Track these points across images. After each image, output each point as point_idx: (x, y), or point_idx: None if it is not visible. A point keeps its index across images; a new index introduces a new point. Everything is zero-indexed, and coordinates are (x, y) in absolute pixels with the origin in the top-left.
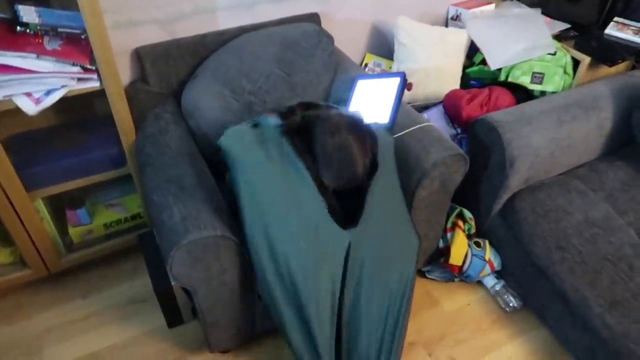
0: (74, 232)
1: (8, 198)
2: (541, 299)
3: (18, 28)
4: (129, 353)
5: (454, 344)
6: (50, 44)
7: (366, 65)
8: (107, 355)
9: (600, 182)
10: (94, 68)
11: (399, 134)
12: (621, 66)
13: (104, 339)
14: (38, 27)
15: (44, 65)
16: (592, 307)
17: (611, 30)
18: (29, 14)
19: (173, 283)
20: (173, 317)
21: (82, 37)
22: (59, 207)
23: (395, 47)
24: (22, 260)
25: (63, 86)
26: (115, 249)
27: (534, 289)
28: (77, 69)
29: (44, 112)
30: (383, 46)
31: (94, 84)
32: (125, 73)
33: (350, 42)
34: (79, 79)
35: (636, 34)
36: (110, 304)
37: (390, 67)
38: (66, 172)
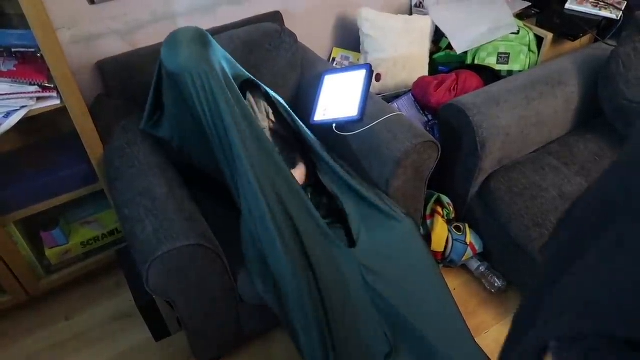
0: (51, 253)
1: None
2: (524, 277)
3: None
4: None
5: None
6: (5, 65)
7: (334, 59)
8: None
9: (572, 156)
10: (52, 86)
11: (369, 126)
12: (584, 39)
13: (92, 358)
14: None
15: (0, 87)
16: None
17: (571, 4)
18: None
19: (153, 296)
20: (159, 330)
21: (38, 55)
22: (34, 229)
23: (361, 39)
24: (0, 287)
25: (23, 107)
26: (95, 266)
27: (516, 267)
28: (35, 88)
29: (7, 135)
30: (349, 39)
31: (54, 102)
32: (89, 88)
33: (315, 37)
34: (39, 98)
35: (595, 6)
36: (95, 323)
37: (358, 60)
38: (37, 193)
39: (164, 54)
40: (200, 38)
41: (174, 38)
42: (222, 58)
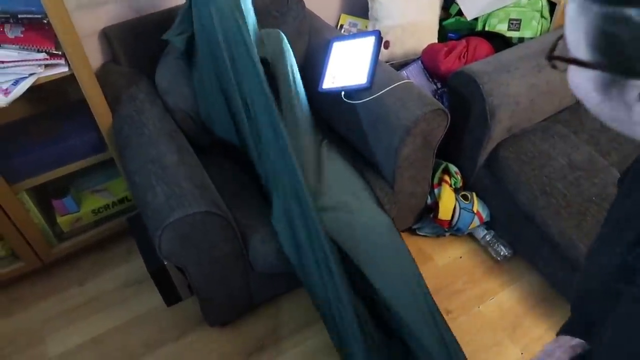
0: (62, 221)
1: None
2: (530, 245)
3: None
4: (130, 334)
5: (448, 295)
6: (12, 32)
7: (342, 26)
8: (109, 338)
9: (581, 124)
10: (60, 53)
11: (378, 94)
12: None
13: (104, 322)
14: None
15: (8, 54)
16: (579, 248)
17: None
18: None
19: (165, 262)
20: (170, 296)
21: (45, 21)
22: (45, 197)
23: (370, 5)
24: (14, 254)
25: (31, 74)
26: (107, 234)
27: (522, 236)
28: (42, 55)
29: (17, 104)
30: (357, 5)
31: (62, 69)
32: (95, 55)
33: (323, 4)
34: (47, 66)
35: None
36: (108, 288)
37: (367, 27)
38: (47, 162)
39: None
40: None
41: None
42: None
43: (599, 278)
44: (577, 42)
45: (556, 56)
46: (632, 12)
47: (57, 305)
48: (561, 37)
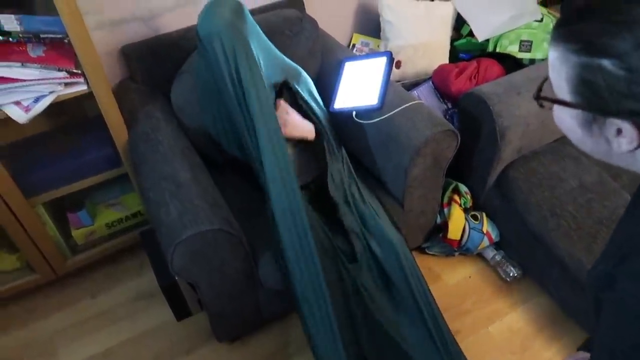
0: (77, 234)
1: (8, 206)
2: (540, 267)
3: (0, 37)
4: (141, 348)
5: (457, 315)
6: (34, 51)
7: (354, 45)
8: (120, 351)
9: None
10: (80, 72)
11: (389, 114)
12: None
13: (116, 335)
14: (20, 35)
15: (30, 73)
16: None
17: None
18: (9, 22)
19: (176, 278)
20: (180, 310)
21: (65, 41)
22: (61, 210)
23: (382, 26)
24: (28, 266)
25: (51, 92)
26: (119, 247)
27: (532, 257)
28: (63, 74)
29: (35, 119)
30: (370, 25)
31: (81, 88)
32: (113, 72)
33: (336, 23)
34: (66, 84)
35: None
36: (120, 301)
37: (379, 46)
38: (63, 176)
39: (199, 20)
40: (237, 8)
41: (211, 4)
42: (255, 40)
43: (592, 287)
44: (560, 86)
45: (543, 97)
46: (605, 62)
47: (69, 317)
48: (547, 78)
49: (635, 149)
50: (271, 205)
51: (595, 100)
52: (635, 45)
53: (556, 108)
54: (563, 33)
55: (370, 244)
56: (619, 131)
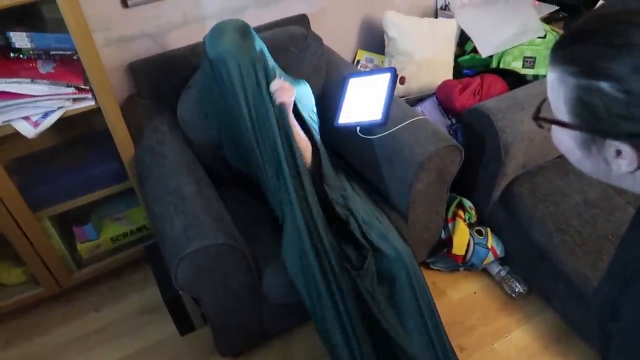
0: (82, 247)
1: (15, 220)
2: (545, 283)
3: (11, 54)
4: None
5: (462, 332)
6: (43, 68)
7: (358, 62)
8: None
9: None
10: (88, 87)
11: (393, 129)
12: None
13: (119, 349)
14: (31, 52)
15: (39, 89)
16: (594, 287)
17: None
18: (20, 39)
19: (180, 292)
20: (184, 325)
21: (74, 57)
22: (66, 224)
23: (386, 42)
24: (34, 279)
25: (59, 107)
26: (124, 261)
27: (537, 273)
28: (71, 89)
29: (43, 133)
30: (374, 41)
31: (89, 103)
32: (121, 88)
33: (340, 40)
34: (75, 100)
35: None
36: (124, 315)
37: (383, 62)
38: (70, 190)
39: (207, 42)
40: (243, 29)
41: (218, 27)
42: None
43: (599, 312)
44: (558, 107)
45: (542, 117)
46: (602, 84)
47: (73, 331)
48: (545, 100)
49: (635, 170)
50: (294, 219)
51: (593, 122)
52: (634, 68)
53: (555, 129)
54: (562, 55)
55: (377, 252)
56: (618, 152)
